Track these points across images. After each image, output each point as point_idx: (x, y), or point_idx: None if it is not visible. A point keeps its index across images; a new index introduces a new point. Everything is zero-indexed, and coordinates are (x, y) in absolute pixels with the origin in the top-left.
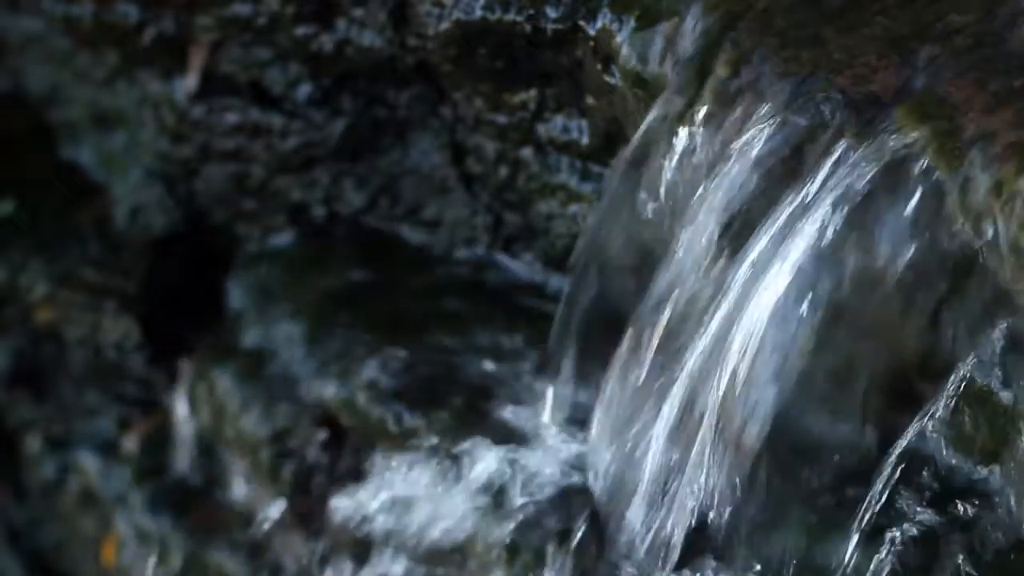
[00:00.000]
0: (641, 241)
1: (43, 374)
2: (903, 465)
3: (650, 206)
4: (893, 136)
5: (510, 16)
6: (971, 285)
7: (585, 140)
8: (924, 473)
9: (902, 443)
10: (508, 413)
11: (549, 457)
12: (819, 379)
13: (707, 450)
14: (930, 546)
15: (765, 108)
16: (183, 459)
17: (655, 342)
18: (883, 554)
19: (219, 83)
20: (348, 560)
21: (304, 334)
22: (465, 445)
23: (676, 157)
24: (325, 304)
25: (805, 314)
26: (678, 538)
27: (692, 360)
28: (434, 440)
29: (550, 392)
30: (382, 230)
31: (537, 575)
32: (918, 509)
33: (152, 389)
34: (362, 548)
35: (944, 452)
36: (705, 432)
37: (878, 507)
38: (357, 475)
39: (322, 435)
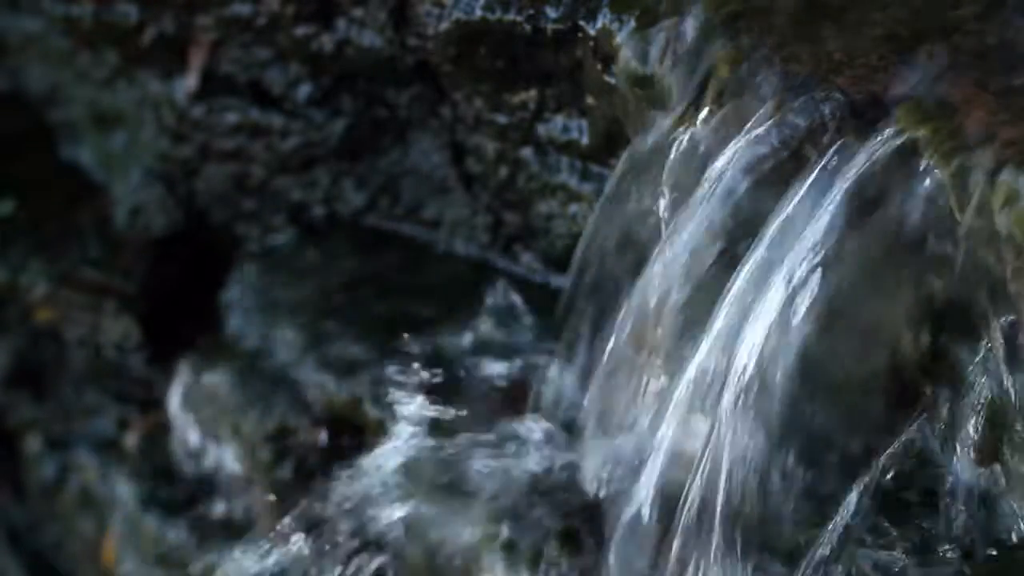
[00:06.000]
0: (640, 240)
1: (43, 374)
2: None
3: (651, 205)
4: (893, 136)
5: (510, 16)
6: (970, 284)
7: (585, 140)
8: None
9: (900, 441)
10: (510, 412)
11: (550, 455)
12: (825, 379)
13: (713, 449)
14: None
15: (765, 108)
16: (182, 459)
17: (653, 341)
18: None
19: (219, 83)
20: (349, 561)
21: (304, 334)
22: (466, 445)
23: (676, 157)
24: (325, 304)
25: (807, 313)
26: (680, 535)
27: (695, 363)
28: (435, 440)
29: (553, 390)
30: (382, 230)
31: (537, 575)
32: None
33: (152, 389)
34: (362, 549)
35: (944, 451)
36: (712, 433)
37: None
38: (357, 475)
39: (321, 435)
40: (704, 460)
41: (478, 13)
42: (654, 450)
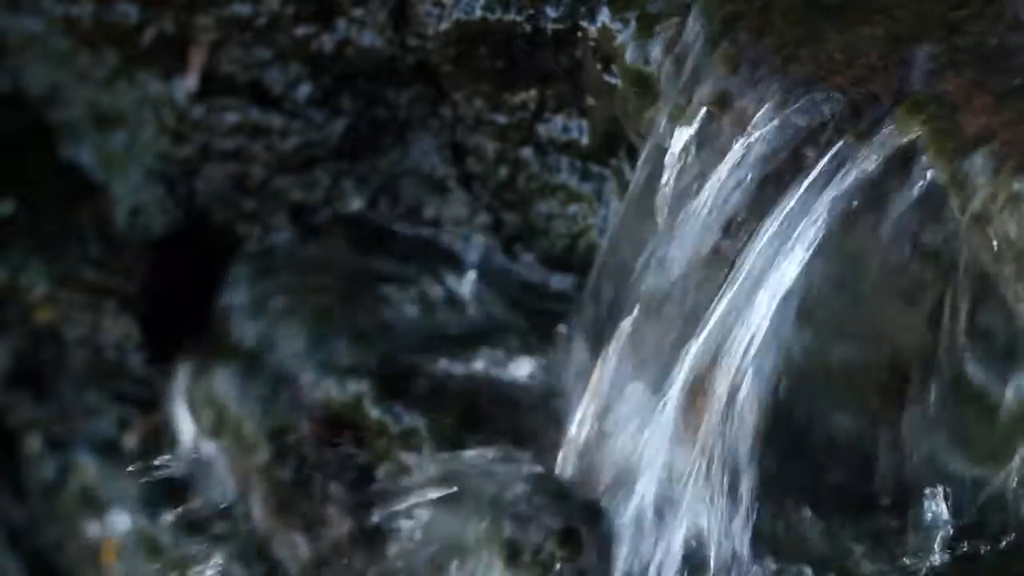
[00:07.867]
0: (644, 240)
1: (43, 374)
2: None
3: (653, 206)
4: (893, 136)
5: (510, 16)
6: (968, 284)
7: (585, 140)
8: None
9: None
10: (510, 412)
11: (550, 456)
12: (822, 376)
13: (710, 452)
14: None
15: (765, 108)
16: (182, 459)
17: (649, 341)
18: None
19: (219, 83)
20: (349, 562)
21: (304, 334)
22: (466, 445)
23: (676, 157)
24: (325, 304)
25: (806, 312)
26: (679, 538)
27: (690, 359)
28: (435, 441)
29: (551, 390)
30: (382, 230)
31: (537, 575)
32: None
33: (152, 389)
34: (363, 550)
35: (945, 452)
36: (707, 435)
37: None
38: (356, 475)
39: (321, 435)
40: (697, 461)
41: (478, 13)
42: (652, 450)
